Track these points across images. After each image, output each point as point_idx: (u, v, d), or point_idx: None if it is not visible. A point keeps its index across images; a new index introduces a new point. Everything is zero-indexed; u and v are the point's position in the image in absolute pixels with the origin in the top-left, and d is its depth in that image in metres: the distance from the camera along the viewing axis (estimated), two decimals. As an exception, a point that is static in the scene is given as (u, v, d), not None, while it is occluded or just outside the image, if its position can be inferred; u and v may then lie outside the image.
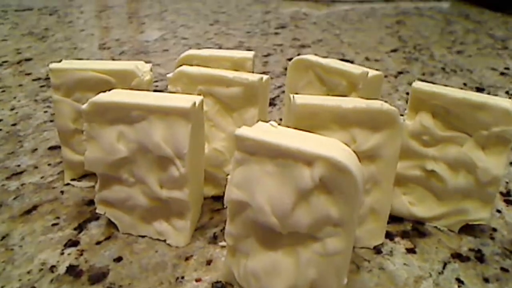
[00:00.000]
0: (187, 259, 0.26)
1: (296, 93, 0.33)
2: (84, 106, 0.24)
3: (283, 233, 0.21)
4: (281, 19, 0.95)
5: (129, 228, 0.27)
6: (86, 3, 1.05)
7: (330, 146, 0.19)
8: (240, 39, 0.79)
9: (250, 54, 0.33)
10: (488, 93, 0.55)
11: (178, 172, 0.24)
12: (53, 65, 0.29)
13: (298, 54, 0.70)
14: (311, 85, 0.32)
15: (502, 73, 0.63)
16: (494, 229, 0.29)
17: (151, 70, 0.31)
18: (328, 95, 0.32)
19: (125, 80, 0.29)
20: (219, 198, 0.31)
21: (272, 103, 0.50)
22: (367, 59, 0.68)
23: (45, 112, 0.44)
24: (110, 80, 0.29)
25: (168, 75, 0.29)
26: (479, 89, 0.56)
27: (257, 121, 0.28)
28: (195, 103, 0.23)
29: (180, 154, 0.24)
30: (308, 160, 0.19)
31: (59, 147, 0.37)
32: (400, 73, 0.62)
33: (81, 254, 0.26)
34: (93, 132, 0.25)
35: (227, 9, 1.03)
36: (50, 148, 0.37)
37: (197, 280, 0.24)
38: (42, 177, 0.33)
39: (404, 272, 0.25)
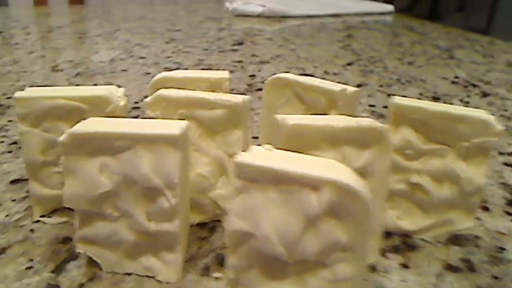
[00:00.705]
0: (180, 294, 0.24)
1: (275, 113, 0.33)
2: (62, 138, 0.22)
3: (289, 262, 0.20)
4: (236, 35, 0.95)
5: (114, 266, 0.25)
6: (30, 24, 1.00)
7: (334, 169, 0.19)
8: (198, 56, 0.78)
9: (225, 74, 0.32)
10: (444, 102, 0.57)
11: (168, 203, 0.23)
12: (18, 94, 0.27)
13: (259, 71, 0.70)
14: (289, 103, 0.32)
15: (453, 82, 0.66)
16: (477, 237, 0.30)
17: (125, 94, 0.30)
18: (307, 113, 0.32)
19: (99, 107, 0.27)
20: (204, 225, 0.30)
21: (241, 121, 0.49)
22: (326, 72, 0.70)
23: (1, 142, 0.41)
24: (82, 108, 0.27)
25: (146, 100, 0.27)
26: (435, 98, 0.59)
27: (242, 143, 0.28)
28: (183, 129, 0.22)
29: (170, 184, 0.22)
30: (314, 185, 0.18)
31: (23, 180, 0.34)
32: (359, 85, 0.63)
33: (62, 300, 0.23)
34: (71, 165, 0.23)
35: (181, 27, 1.02)
36: (13, 182, 0.34)
37: (194, 317, 0.23)
38: (7, 215, 0.30)
39: (402, 288, 0.25)
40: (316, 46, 0.87)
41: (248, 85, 0.63)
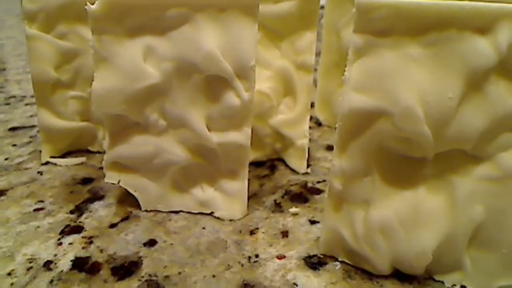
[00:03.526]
0: (252, 233, 0.18)
1: (338, 36, 0.27)
2: (93, 6, 0.16)
3: (428, 158, 0.14)
4: None
5: (157, 201, 0.19)
6: None
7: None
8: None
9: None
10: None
11: (239, 99, 0.16)
12: (25, -16, 0.21)
13: None
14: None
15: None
16: None
17: None
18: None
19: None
20: (262, 164, 0.24)
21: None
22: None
23: (-5, 95, 0.34)
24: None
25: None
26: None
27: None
28: (259, -2, 0.16)
29: (243, 70, 0.16)
30: (485, 23, 0.12)
31: (25, 127, 0.28)
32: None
33: (91, 242, 0.17)
34: (105, 49, 0.16)
35: None
36: (12, 129, 0.28)
37: (279, 258, 0.16)
38: (6, 159, 0.24)
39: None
40: None
41: None
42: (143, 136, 0.18)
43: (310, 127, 0.25)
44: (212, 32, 0.16)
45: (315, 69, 0.31)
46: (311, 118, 0.28)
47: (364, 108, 0.14)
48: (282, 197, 0.20)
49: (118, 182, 0.18)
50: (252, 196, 0.20)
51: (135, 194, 0.19)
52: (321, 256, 0.16)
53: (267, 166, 0.23)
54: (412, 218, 0.14)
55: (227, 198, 0.19)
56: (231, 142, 0.17)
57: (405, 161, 0.14)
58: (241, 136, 0.17)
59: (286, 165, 0.23)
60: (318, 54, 0.25)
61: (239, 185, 0.18)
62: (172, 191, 0.19)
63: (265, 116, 0.22)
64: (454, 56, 0.13)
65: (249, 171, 0.22)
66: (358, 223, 0.15)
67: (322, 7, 0.24)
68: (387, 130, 0.14)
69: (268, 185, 0.22)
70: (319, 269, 0.16)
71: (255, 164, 0.23)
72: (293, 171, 0.23)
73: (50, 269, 0.15)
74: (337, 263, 0.16)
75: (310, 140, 0.23)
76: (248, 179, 0.20)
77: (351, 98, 0.14)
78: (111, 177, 0.18)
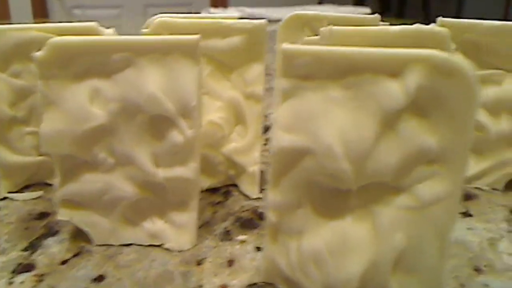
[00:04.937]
0: (199, 263, 0.18)
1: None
2: (39, 53, 0.17)
3: (352, 190, 0.15)
4: None
5: (108, 236, 0.19)
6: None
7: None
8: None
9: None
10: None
11: (183, 137, 0.17)
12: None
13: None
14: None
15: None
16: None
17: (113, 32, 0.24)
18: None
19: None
20: (216, 190, 0.24)
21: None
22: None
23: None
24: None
25: (143, 30, 0.22)
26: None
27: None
28: (199, 38, 0.17)
29: (185, 109, 0.17)
30: (395, 68, 0.13)
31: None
32: None
33: (42, 280, 0.17)
34: (52, 92, 0.17)
35: None
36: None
37: (222, 287, 0.17)
38: (-39, 194, 0.24)
39: (472, 237, 0.20)
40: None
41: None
42: (92, 174, 0.18)
43: (267, 151, 0.26)
44: (154, 75, 0.17)
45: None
46: (268, 141, 0.29)
47: (291, 147, 0.15)
48: (233, 224, 0.21)
49: (70, 219, 0.19)
50: (204, 225, 0.21)
51: (86, 230, 0.19)
52: (262, 284, 0.17)
53: (222, 192, 0.24)
54: (339, 247, 0.15)
55: (177, 229, 0.19)
56: (178, 177, 0.18)
57: (332, 194, 0.15)
58: (187, 171, 0.18)
59: (240, 191, 0.24)
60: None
61: (188, 216, 0.19)
62: (123, 225, 0.19)
63: (218, 145, 0.23)
64: (370, 98, 0.14)
65: (203, 199, 0.23)
66: (292, 252, 0.16)
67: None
68: (312, 167, 0.15)
69: (221, 212, 0.22)
70: (260, 297, 0.17)
71: (210, 191, 0.24)
72: (247, 196, 0.24)
73: (-1, 309, 0.16)
74: (277, 290, 0.17)
75: (266, 163, 0.24)
76: (202, 207, 0.21)
77: (280, 138, 0.15)
78: (63, 215, 0.19)
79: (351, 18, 0.26)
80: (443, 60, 0.13)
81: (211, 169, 0.24)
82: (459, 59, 0.13)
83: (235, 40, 0.22)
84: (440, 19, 0.23)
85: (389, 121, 0.14)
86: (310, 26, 0.27)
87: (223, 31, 0.22)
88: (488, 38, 0.22)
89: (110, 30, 0.24)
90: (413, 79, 0.13)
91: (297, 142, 0.15)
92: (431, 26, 0.19)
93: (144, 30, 0.22)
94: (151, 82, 0.17)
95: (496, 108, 0.23)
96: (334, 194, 0.15)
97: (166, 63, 0.17)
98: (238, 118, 0.23)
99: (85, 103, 0.17)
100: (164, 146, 0.18)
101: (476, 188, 0.25)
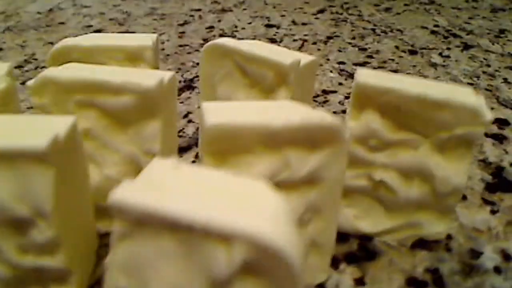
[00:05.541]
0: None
1: (214, 88, 0.26)
2: None
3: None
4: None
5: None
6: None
7: (256, 207, 0.13)
8: (151, 4, 0.69)
9: (149, 40, 0.25)
10: (422, 56, 0.52)
11: (43, 236, 0.17)
12: None
13: (219, 21, 0.62)
14: (230, 77, 0.26)
15: (432, 32, 0.60)
16: (450, 236, 0.25)
17: (10, 73, 0.23)
18: (252, 89, 0.25)
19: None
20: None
21: (191, 86, 0.42)
22: (293, 22, 0.62)
23: None
24: None
25: (28, 83, 0.21)
26: (412, 52, 0.52)
27: (162, 137, 0.22)
28: (56, 138, 0.16)
29: (42, 211, 0.16)
30: (224, 237, 0.13)
31: None
32: (329, 38, 0.56)
33: None
34: None
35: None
36: None
37: None
38: None
39: (358, 312, 0.21)
40: (286, -10, 0.78)
41: (204, 39, 0.55)
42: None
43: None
44: (5, 181, 0.16)
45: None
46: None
47: None
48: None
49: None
50: (95, 284, 0.21)
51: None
52: None
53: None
54: None
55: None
56: (47, 266, 0.18)
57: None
58: (55, 260, 0.18)
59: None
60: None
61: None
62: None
63: (119, 195, 0.23)
64: (199, 259, 0.13)
65: (104, 246, 0.23)
66: None
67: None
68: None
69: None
70: None
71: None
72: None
73: None
74: None
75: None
76: (99, 256, 0.22)
77: (114, 278, 0.14)
78: None
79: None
80: (264, 241, 0.12)
81: (112, 214, 0.23)
82: (281, 239, 0.12)
83: (126, 99, 0.20)
84: (357, 78, 0.21)
85: (218, 285, 0.13)
86: (233, 58, 0.25)
87: (113, 89, 0.20)
88: (407, 104, 0.21)
89: (6, 67, 0.22)
90: (238, 252, 0.12)
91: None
92: (323, 116, 0.17)
93: (29, 83, 0.20)
94: (2, 189, 0.16)
95: (410, 172, 0.22)
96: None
97: (18, 169, 0.16)
98: (137, 170, 0.22)
99: None
100: (28, 240, 0.17)
101: (383, 242, 0.24)
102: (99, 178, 0.22)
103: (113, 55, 0.24)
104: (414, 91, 0.20)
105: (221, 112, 0.18)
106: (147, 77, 0.20)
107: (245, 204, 0.13)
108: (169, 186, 0.14)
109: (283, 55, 0.24)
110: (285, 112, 0.18)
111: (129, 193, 0.13)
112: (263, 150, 0.18)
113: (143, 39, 0.25)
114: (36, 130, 0.16)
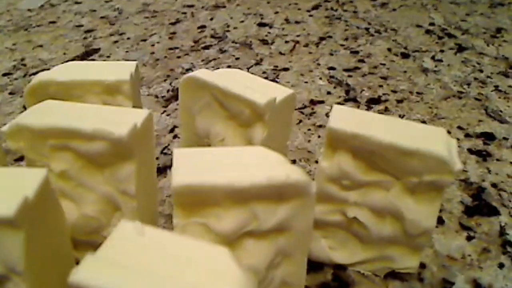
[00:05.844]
0: None
1: (193, 118, 0.26)
2: None
3: None
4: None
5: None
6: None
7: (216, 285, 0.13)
8: (144, 0, 0.68)
9: (127, 72, 0.25)
10: (414, 60, 0.51)
11: (20, 288, 0.18)
12: None
13: (211, 19, 0.62)
14: (209, 108, 0.26)
15: (427, 31, 0.59)
16: (423, 265, 0.26)
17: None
18: (230, 121, 0.26)
19: None
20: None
21: (176, 97, 0.42)
22: (287, 20, 0.62)
23: None
24: None
25: (2, 129, 0.21)
26: (405, 56, 0.52)
27: (138, 178, 0.22)
28: (26, 200, 0.16)
29: (15, 271, 0.17)
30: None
31: None
32: (322, 38, 0.56)
33: None
34: None
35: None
36: None
37: None
38: None
39: None
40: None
41: (195, 41, 0.55)
42: None
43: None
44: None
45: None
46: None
47: None
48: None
49: None
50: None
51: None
52: None
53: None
54: None
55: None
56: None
57: None
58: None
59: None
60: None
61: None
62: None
63: (96, 231, 0.23)
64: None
65: None
66: None
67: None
68: None
69: None
70: None
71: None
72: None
73: None
74: None
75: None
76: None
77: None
78: None
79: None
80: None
81: (94, 248, 0.24)
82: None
83: (98, 145, 0.20)
84: (330, 123, 0.21)
85: None
86: (210, 91, 0.25)
87: (86, 136, 0.20)
88: (379, 150, 0.21)
89: None
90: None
91: None
92: (290, 172, 0.18)
93: (4, 129, 0.21)
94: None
95: (382, 212, 0.22)
96: None
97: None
98: (115, 207, 0.23)
99: None
100: (4, 291, 0.18)
101: (357, 272, 0.25)
102: (77, 215, 0.22)
103: (90, 88, 0.24)
104: (385, 139, 0.20)
105: (190, 166, 0.18)
106: (121, 121, 0.21)
107: (205, 281, 0.14)
108: (129, 262, 0.14)
109: (260, 91, 0.24)
110: (254, 167, 0.18)
111: (89, 275, 0.14)
112: (231, 204, 0.18)
113: (121, 71, 0.25)
114: (5, 190, 0.16)
